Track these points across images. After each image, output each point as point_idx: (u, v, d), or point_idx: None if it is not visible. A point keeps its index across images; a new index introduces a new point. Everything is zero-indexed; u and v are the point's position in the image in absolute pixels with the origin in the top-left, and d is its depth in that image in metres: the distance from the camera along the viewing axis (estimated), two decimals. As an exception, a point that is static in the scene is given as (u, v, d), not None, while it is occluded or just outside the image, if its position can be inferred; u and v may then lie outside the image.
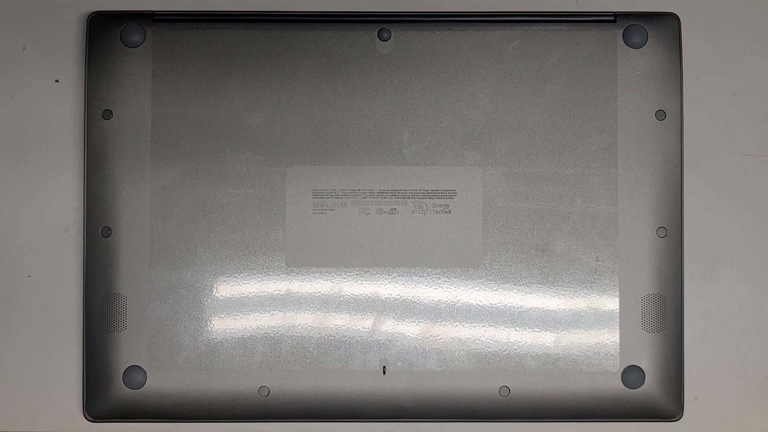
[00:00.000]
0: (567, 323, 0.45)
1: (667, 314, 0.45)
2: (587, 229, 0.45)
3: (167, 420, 0.45)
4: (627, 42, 0.45)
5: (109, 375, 0.45)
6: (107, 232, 0.45)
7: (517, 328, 0.45)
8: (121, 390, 0.45)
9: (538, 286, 0.45)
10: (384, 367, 0.45)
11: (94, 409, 0.45)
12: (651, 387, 0.45)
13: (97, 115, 0.45)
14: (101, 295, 0.45)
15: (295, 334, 0.45)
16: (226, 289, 0.45)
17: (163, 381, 0.45)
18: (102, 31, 0.45)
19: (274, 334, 0.45)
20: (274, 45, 0.45)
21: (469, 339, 0.45)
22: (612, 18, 0.45)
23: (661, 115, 0.45)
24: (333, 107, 0.45)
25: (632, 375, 0.45)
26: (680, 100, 0.45)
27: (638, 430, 0.46)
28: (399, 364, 0.45)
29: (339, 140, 0.45)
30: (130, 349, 0.45)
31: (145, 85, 0.45)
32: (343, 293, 0.45)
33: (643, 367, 0.45)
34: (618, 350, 0.45)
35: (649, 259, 0.45)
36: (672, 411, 0.45)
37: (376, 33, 0.45)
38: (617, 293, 0.45)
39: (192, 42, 0.45)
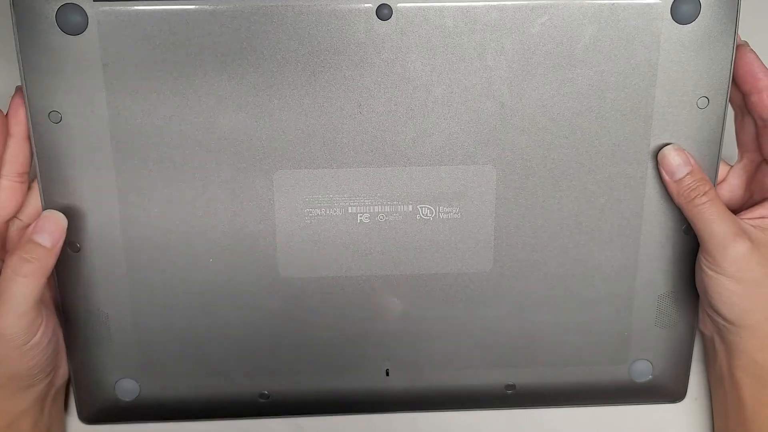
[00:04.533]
0: (580, 320, 0.43)
1: (680, 311, 0.43)
2: (608, 228, 0.41)
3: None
4: (675, 16, 0.37)
5: (101, 387, 0.43)
6: (75, 247, 0.40)
7: (526, 330, 0.43)
8: (114, 401, 0.43)
9: (553, 289, 0.42)
10: (387, 369, 0.43)
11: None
12: (659, 380, 0.44)
13: (43, 118, 0.38)
14: (81, 310, 0.41)
15: (293, 342, 0.42)
16: (216, 301, 0.41)
17: (157, 390, 0.43)
18: (32, 15, 0.36)
19: (271, 342, 0.42)
20: (251, 26, 0.37)
21: (477, 344, 0.43)
22: (661, -16, 0.37)
23: (703, 102, 0.39)
24: (325, 101, 0.38)
25: (641, 365, 0.44)
26: (727, 87, 0.39)
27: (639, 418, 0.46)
28: (402, 367, 0.43)
29: (334, 139, 0.39)
30: (118, 362, 0.42)
31: (96, 81, 0.37)
32: (343, 301, 0.42)
33: (652, 361, 0.44)
34: (629, 345, 0.43)
35: (671, 257, 0.42)
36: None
37: (374, 10, 0.37)
38: (634, 291, 0.42)
39: (150, 26, 0.36)
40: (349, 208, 0.40)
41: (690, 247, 0.42)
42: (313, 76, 0.38)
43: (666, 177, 0.39)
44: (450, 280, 0.41)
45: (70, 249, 0.40)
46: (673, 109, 0.39)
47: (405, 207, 0.40)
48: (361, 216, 0.40)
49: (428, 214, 0.40)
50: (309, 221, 0.40)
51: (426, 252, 0.41)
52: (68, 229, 0.39)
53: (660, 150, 0.39)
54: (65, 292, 0.41)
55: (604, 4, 0.37)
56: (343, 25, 0.37)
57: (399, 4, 0.37)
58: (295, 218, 0.40)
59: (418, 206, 0.40)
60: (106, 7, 0.36)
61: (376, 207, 0.40)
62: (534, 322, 0.43)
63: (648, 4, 0.37)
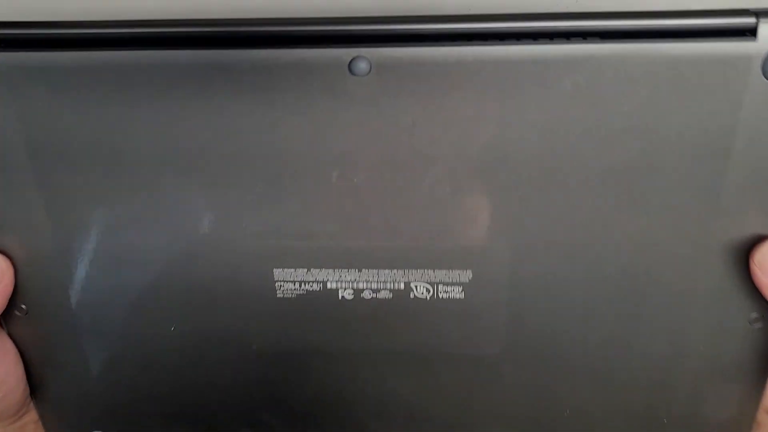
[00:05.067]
0: (610, 405, 0.36)
1: (738, 402, 0.35)
2: (651, 318, 0.33)
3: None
4: (768, 71, 0.27)
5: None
6: (22, 310, 0.35)
7: (542, 410, 0.36)
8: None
9: (577, 377, 0.35)
10: (380, 439, 0.38)
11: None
12: None
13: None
14: (39, 368, 0.37)
15: (271, 413, 0.37)
16: (185, 370, 0.36)
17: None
18: None
19: (247, 415, 0.37)
20: (195, 72, 0.28)
21: (486, 420, 0.37)
22: (751, 24, 0.26)
23: (794, 183, 0.29)
24: (293, 169, 0.30)
25: None
26: (833, 164, 0.28)
27: None
28: (398, 436, 0.38)
29: (309, 214, 0.31)
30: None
31: (14, 142, 0.30)
32: (325, 377, 0.36)
33: None
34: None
35: (731, 348, 0.33)
36: None
37: (347, 65, 0.28)
38: (678, 380, 0.34)
39: (71, 76, 0.29)
40: (329, 283, 0.33)
41: (757, 338, 0.33)
42: (281, 137, 0.29)
43: (762, 278, 0.31)
44: (449, 361, 0.35)
45: (18, 312, 0.35)
46: (749, 187, 0.29)
47: (395, 284, 0.33)
48: (342, 292, 0.33)
49: (424, 293, 0.33)
50: (281, 294, 0.33)
51: (421, 334, 0.34)
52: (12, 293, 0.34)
53: (753, 247, 0.30)
54: (22, 350, 0.37)
55: (665, 56, 0.27)
56: (309, 81, 0.28)
57: (379, 57, 0.27)
58: (264, 293, 0.33)
59: (411, 283, 0.33)
60: (8, 56, 0.29)
61: (360, 283, 0.33)
62: (551, 404, 0.36)
63: (728, 55, 0.27)
